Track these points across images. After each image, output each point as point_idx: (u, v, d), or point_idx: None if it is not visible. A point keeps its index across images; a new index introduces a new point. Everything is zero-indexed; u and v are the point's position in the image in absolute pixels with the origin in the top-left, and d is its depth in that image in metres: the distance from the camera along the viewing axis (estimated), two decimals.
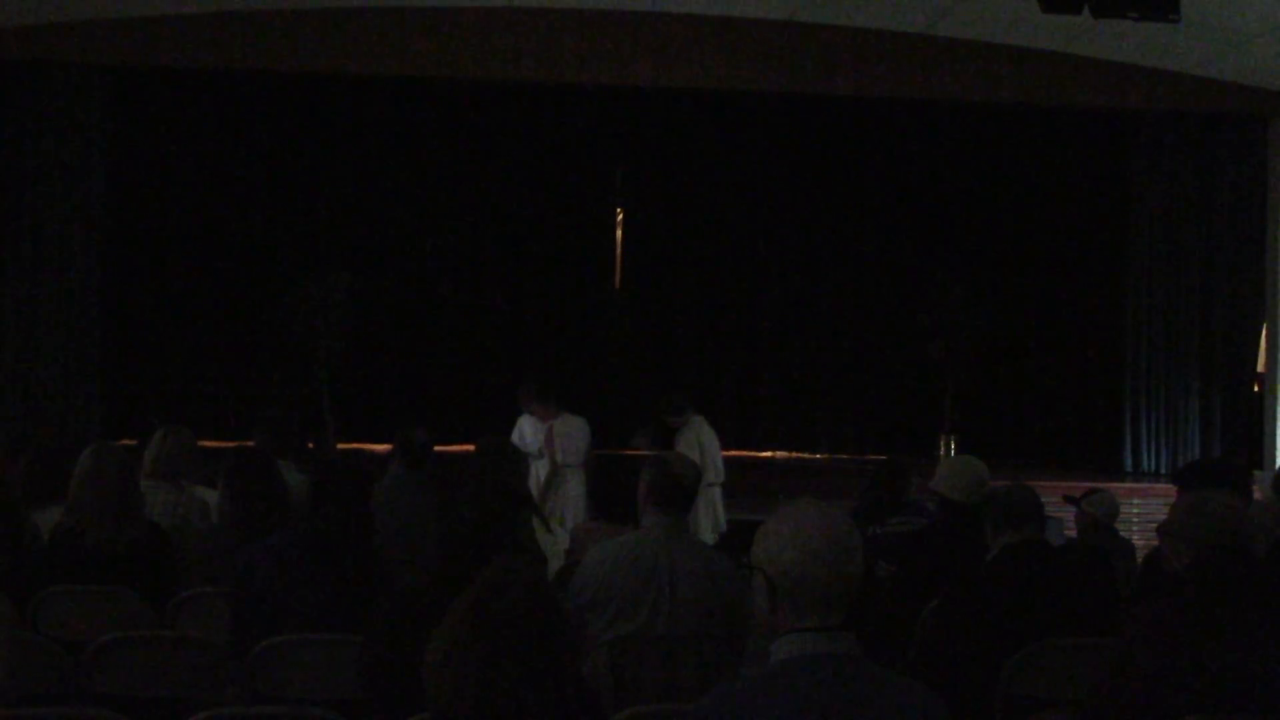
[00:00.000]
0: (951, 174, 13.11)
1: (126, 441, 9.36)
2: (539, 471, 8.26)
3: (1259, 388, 12.50)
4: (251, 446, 5.74)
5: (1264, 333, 12.42)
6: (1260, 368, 12.47)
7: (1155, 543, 7.30)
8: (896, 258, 13.23)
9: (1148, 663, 3.17)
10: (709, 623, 4.02)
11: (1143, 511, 10.55)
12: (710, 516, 8.68)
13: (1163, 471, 12.46)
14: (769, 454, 13.12)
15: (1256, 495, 4.68)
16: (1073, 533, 7.07)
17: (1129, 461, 12.69)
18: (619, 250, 13.11)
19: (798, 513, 2.50)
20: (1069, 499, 6.68)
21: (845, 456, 13.00)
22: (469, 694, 2.37)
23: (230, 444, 9.94)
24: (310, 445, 8.67)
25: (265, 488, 4.84)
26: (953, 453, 11.88)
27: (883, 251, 13.29)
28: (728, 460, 9.21)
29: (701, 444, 8.64)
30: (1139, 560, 6.79)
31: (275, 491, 4.87)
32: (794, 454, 13.16)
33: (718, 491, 8.88)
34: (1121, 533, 6.88)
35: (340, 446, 11.44)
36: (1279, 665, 3.13)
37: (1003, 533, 4.33)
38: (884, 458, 8.09)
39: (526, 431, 8.58)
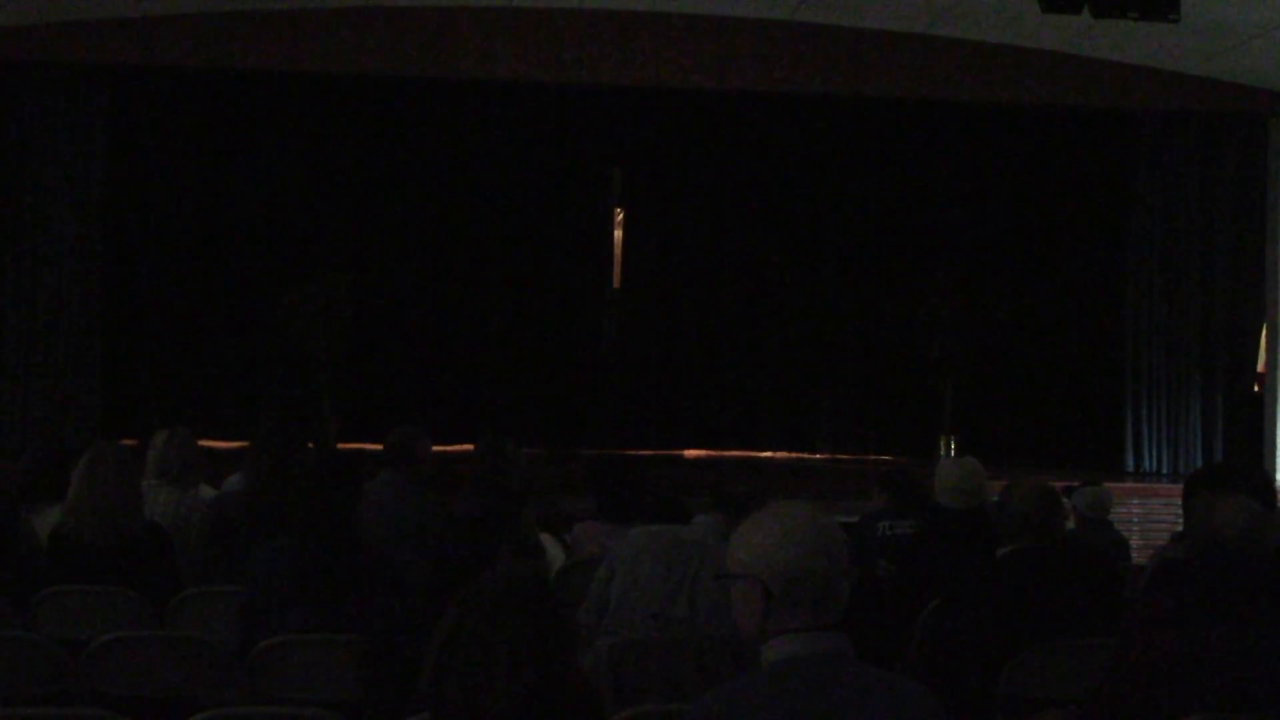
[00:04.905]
0: (951, 174, 13.08)
1: (126, 441, 9.35)
2: None
3: (1259, 388, 12.50)
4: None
5: (1264, 333, 12.42)
6: (1260, 368, 12.46)
7: (1157, 543, 7.31)
8: (896, 258, 13.20)
9: (1148, 661, 3.17)
10: (722, 625, 4.02)
11: (1143, 511, 10.55)
12: None
13: (1164, 471, 12.47)
14: (769, 454, 13.11)
15: None
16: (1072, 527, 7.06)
17: (1130, 462, 12.68)
18: (618, 250, 13.09)
19: (783, 512, 2.46)
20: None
21: (845, 456, 12.98)
22: (468, 693, 2.37)
23: (230, 444, 9.99)
24: (310, 445, 8.63)
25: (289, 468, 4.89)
26: (953, 453, 11.86)
27: (882, 251, 13.26)
28: (729, 460, 9.19)
29: None
30: (1135, 558, 6.79)
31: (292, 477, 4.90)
32: (794, 454, 13.14)
33: None
34: (1122, 532, 6.88)
35: (340, 446, 11.43)
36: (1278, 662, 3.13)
37: (1010, 535, 4.35)
38: (888, 461, 8.04)
39: None
